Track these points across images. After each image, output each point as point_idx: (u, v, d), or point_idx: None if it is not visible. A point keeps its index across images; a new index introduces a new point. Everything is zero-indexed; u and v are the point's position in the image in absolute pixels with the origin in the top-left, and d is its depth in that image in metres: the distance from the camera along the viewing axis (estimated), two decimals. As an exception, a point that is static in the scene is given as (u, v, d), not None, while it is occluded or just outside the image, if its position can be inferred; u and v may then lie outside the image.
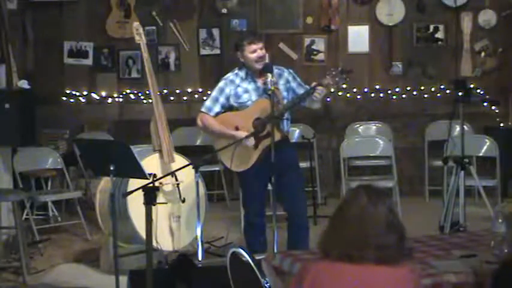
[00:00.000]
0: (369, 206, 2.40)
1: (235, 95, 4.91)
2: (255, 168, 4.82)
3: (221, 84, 4.97)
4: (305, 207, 5.03)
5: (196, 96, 7.84)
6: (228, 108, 4.97)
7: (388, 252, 2.36)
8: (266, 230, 5.00)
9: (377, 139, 7.09)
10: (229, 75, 4.98)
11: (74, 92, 7.77)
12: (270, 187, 4.79)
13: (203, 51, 7.87)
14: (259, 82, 4.89)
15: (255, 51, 4.85)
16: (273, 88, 4.53)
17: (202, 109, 4.99)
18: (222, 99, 4.94)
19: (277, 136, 4.67)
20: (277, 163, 4.52)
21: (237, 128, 4.86)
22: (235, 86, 4.93)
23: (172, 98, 7.79)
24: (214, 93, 4.97)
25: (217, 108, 4.94)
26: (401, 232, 2.42)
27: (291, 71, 5.04)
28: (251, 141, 4.79)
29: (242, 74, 4.94)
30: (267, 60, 4.91)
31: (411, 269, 2.44)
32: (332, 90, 7.08)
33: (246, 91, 4.90)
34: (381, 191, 2.47)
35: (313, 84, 4.77)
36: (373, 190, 2.45)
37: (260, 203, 4.95)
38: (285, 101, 4.84)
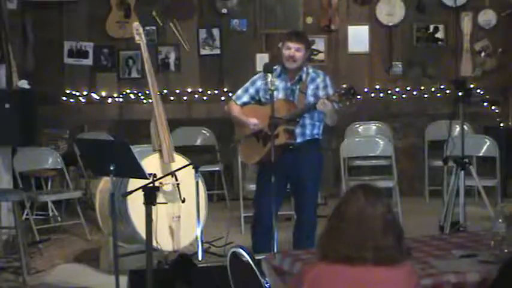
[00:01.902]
0: (366, 206, 2.38)
1: (265, 90, 4.90)
2: (270, 167, 4.60)
3: (256, 76, 5.05)
4: (315, 217, 5.05)
5: (196, 96, 7.85)
6: (257, 101, 5.00)
7: (386, 253, 2.35)
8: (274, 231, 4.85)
9: (377, 139, 7.07)
10: None
11: (74, 92, 7.77)
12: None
13: (203, 51, 7.87)
14: (290, 82, 4.87)
15: (288, 49, 4.82)
16: (272, 89, 4.54)
17: (233, 97, 5.11)
18: (251, 91, 4.99)
19: (282, 139, 4.71)
20: (296, 167, 4.65)
21: None
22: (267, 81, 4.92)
23: (172, 98, 7.79)
24: (247, 83, 5.05)
25: (245, 98, 5.00)
26: (399, 232, 2.41)
27: (328, 78, 4.94)
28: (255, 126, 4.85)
29: (279, 70, 4.89)
30: (297, 64, 4.79)
31: (410, 269, 2.44)
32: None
33: (276, 88, 4.79)
34: (379, 191, 2.46)
35: (322, 97, 4.70)
36: (370, 190, 2.44)
37: (270, 202, 4.62)
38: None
